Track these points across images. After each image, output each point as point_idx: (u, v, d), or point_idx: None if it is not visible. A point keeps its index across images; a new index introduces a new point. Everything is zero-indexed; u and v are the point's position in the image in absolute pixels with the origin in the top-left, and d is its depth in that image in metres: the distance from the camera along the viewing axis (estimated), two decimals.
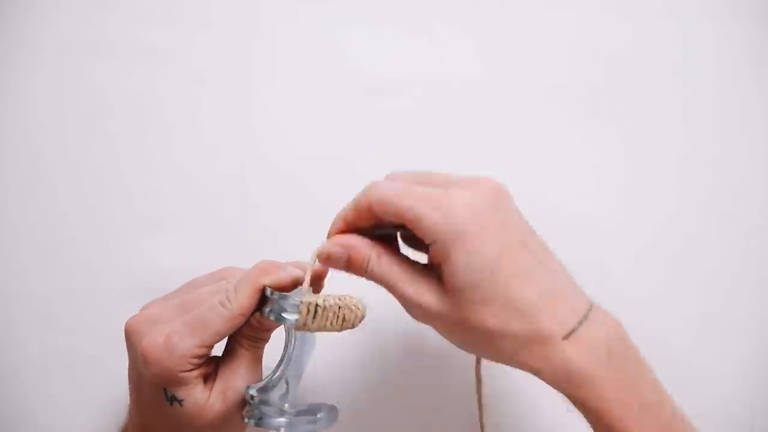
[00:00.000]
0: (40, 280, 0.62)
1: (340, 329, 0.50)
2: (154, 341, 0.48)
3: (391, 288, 0.49)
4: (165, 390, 0.49)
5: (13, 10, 0.63)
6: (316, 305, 0.49)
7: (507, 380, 0.62)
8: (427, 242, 0.47)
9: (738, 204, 0.66)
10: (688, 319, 0.65)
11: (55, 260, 0.62)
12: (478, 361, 0.57)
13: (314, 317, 0.49)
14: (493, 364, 0.51)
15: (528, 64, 0.66)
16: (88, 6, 0.64)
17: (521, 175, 0.65)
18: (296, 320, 0.48)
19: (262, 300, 0.50)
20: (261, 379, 0.51)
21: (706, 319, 0.65)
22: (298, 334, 0.52)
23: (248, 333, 0.51)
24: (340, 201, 0.63)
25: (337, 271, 0.50)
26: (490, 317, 0.47)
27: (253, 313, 0.50)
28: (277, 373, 0.51)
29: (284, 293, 0.49)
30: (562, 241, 0.65)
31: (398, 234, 0.52)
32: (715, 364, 0.65)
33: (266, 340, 0.52)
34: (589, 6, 0.67)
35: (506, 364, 0.49)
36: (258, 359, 0.52)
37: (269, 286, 0.49)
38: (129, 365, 0.52)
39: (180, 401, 0.49)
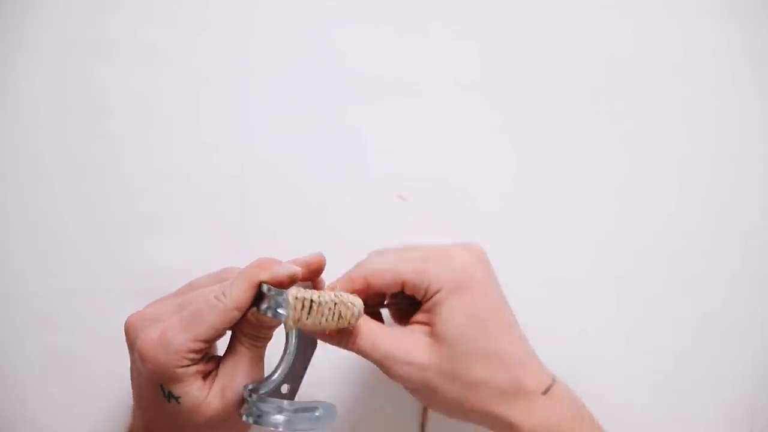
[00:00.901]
0: (40, 280, 0.62)
1: (336, 326, 0.49)
2: (149, 337, 0.48)
3: (373, 351, 0.51)
4: (162, 387, 0.49)
5: (13, 10, 0.63)
6: (311, 300, 0.48)
7: None
8: (426, 296, 0.50)
9: (737, 204, 0.66)
10: (688, 319, 0.65)
11: (55, 260, 0.62)
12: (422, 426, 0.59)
13: (309, 313, 0.48)
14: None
15: (527, 64, 0.66)
16: (88, 6, 0.64)
17: (521, 175, 0.66)
18: (291, 315, 0.48)
19: (260, 297, 0.50)
20: (262, 379, 0.51)
21: (705, 319, 0.65)
22: (299, 331, 0.52)
23: (249, 331, 0.51)
24: (339, 201, 0.64)
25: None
26: (479, 368, 0.49)
27: (249, 309, 0.50)
28: (278, 372, 0.51)
29: (281, 290, 0.49)
30: (562, 240, 0.65)
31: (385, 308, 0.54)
32: (715, 364, 0.65)
33: (267, 339, 0.52)
34: (589, 6, 0.67)
35: (481, 420, 0.51)
36: (259, 359, 0.52)
37: (265, 282, 0.49)
38: (130, 364, 0.52)
39: (177, 398, 0.49)
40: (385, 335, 0.51)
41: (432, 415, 0.62)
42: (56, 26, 0.63)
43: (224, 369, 0.51)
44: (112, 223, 0.63)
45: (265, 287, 0.49)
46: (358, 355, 0.52)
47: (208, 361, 0.51)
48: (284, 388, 0.51)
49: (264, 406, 0.50)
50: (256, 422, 0.50)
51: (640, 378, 0.64)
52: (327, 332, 0.51)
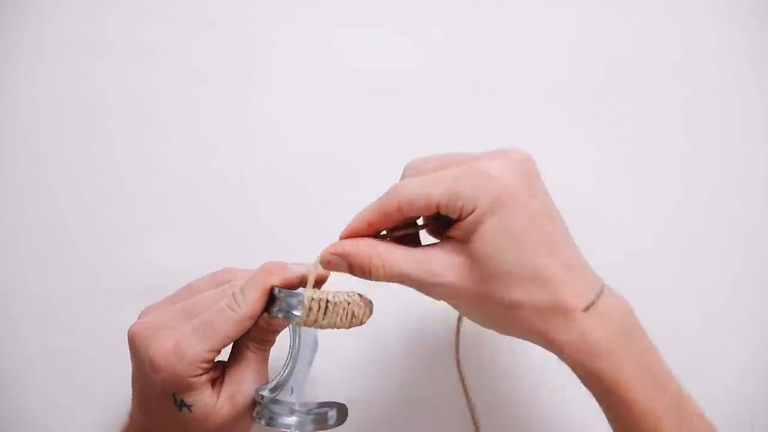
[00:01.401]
0: (40, 280, 0.62)
1: (349, 326, 0.50)
2: (163, 347, 0.48)
3: (402, 278, 0.49)
4: (174, 396, 0.49)
5: (13, 10, 0.63)
6: (327, 301, 0.49)
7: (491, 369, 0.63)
8: (462, 216, 0.47)
9: (738, 204, 0.66)
10: (689, 318, 0.65)
11: (55, 260, 0.62)
12: (457, 334, 0.58)
13: (324, 313, 0.49)
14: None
15: (528, 64, 0.66)
16: (88, 6, 0.64)
17: None
18: (307, 317, 0.48)
19: (270, 300, 0.50)
20: (268, 381, 0.51)
21: (706, 319, 0.65)
22: (302, 332, 0.52)
23: (255, 336, 0.51)
24: (338, 200, 0.64)
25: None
26: (515, 288, 0.47)
27: (261, 315, 0.50)
28: (285, 373, 0.51)
29: (291, 291, 0.49)
30: None
31: (420, 231, 0.52)
32: (715, 363, 0.64)
33: (272, 342, 0.52)
34: (589, 6, 0.67)
35: (522, 336, 0.49)
36: (264, 362, 0.52)
37: (278, 286, 0.49)
38: (134, 371, 0.51)
39: (189, 407, 0.49)
40: (410, 261, 0.49)
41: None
42: (56, 26, 0.63)
43: (232, 374, 0.51)
44: (111, 223, 0.63)
45: (276, 290, 0.50)
46: (383, 279, 0.49)
47: (216, 368, 0.51)
48: (291, 389, 0.51)
49: (276, 408, 0.50)
50: (268, 424, 0.50)
51: None
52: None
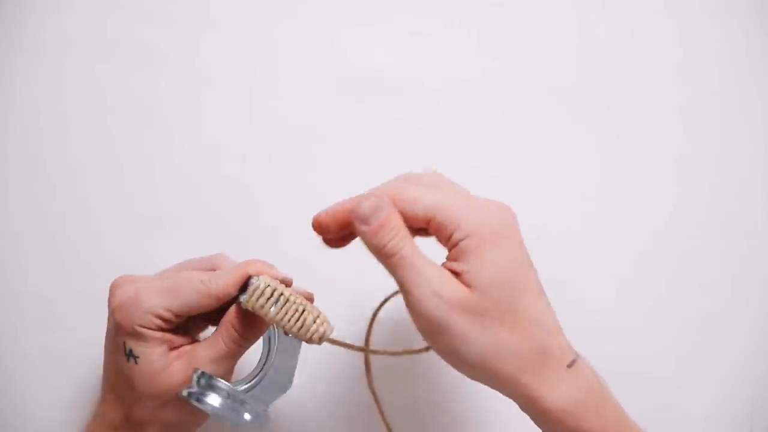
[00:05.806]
0: (40, 280, 0.62)
1: (296, 334, 0.48)
2: (126, 293, 0.50)
3: (413, 271, 0.45)
4: (124, 343, 0.50)
5: (14, 10, 0.63)
6: (281, 294, 0.48)
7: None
8: (452, 241, 0.46)
9: (738, 204, 0.66)
10: (689, 319, 0.65)
11: (54, 260, 0.62)
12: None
13: (276, 302, 0.48)
14: None
15: (528, 63, 0.66)
16: (89, 6, 0.64)
17: (521, 175, 0.66)
18: (257, 298, 0.48)
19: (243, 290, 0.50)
20: (227, 379, 0.51)
21: (706, 320, 0.65)
22: (279, 344, 0.52)
23: (234, 324, 0.50)
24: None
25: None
26: (508, 326, 0.45)
27: (231, 303, 0.50)
28: (257, 375, 0.52)
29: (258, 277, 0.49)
30: (563, 240, 0.65)
31: None
32: (715, 364, 0.65)
33: (250, 341, 0.51)
34: (590, 6, 0.67)
35: (501, 385, 0.47)
36: (232, 357, 0.51)
37: (254, 275, 0.50)
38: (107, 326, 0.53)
39: (135, 357, 0.50)
40: (423, 257, 0.46)
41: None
42: (57, 26, 0.63)
43: (198, 351, 0.50)
44: (112, 223, 0.63)
45: (252, 278, 0.50)
46: (389, 261, 0.46)
47: (181, 336, 0.51)
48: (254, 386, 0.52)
49: (214, 382, 0.48)
50: (189, 397, 0.48)
51: (640, 378, 0.64)
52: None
